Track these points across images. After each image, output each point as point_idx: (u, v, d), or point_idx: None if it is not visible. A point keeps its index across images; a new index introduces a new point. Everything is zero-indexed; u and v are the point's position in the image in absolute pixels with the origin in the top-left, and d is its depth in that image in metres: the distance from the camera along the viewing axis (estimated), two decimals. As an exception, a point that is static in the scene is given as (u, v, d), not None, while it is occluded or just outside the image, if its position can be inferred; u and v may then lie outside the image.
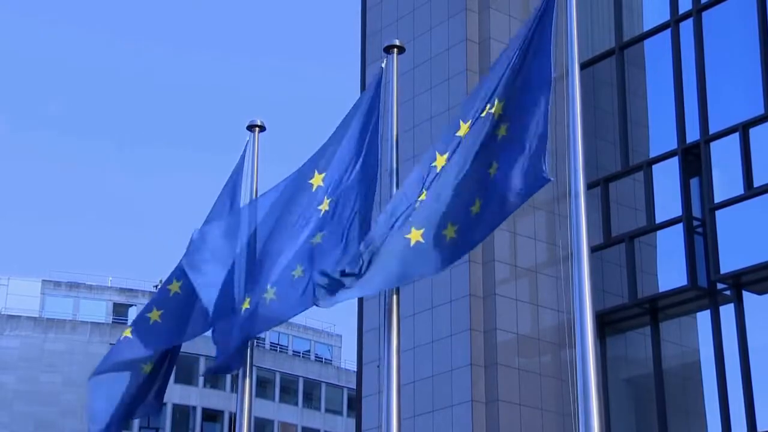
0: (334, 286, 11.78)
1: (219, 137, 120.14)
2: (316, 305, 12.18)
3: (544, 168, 11.35)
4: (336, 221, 13.19)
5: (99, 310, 72.44)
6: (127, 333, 14.54)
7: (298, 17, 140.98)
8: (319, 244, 13.08)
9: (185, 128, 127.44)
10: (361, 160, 13.40)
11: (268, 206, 13.76)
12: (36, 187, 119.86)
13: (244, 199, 14.87)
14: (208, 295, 13.68)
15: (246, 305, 13.17)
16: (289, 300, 12.96)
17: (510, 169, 11.64)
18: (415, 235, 11.72)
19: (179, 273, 14.30)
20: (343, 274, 11.72)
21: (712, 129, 21.72)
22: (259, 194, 14.87)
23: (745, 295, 20.90)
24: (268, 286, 13.06)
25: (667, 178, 22.33)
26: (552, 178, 11.34)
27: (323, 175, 13.48)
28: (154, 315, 14.36)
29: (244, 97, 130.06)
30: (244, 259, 13.89)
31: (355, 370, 24.80)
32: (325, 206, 13.31)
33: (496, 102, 11.97)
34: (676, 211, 21.80)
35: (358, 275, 11.67)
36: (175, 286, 14.35)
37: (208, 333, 14.11)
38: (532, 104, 11.78)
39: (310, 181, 13.47)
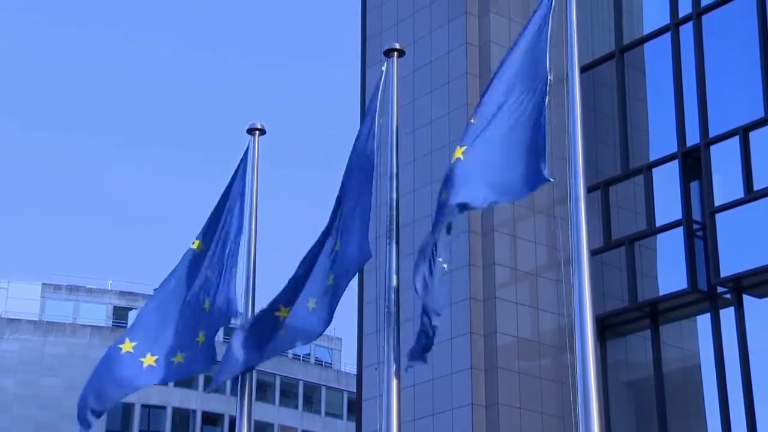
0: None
1: (220, 138, 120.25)
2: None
3: (543, 168, 11.38)
4: (336, 223, 13.33)
5: (99, 314, 72.39)
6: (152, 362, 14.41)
7: (298, 19, 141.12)
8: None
9: (186, 129, 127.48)
10: (358, 162, 13.50)
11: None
12: (35, 190, 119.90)
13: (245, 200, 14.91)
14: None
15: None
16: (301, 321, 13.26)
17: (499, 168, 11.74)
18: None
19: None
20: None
21: (712, 132, 21.71)
22: (259, 196, 14.93)
23: (746, 298, 20.90)
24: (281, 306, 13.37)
25: (667, 181, 22.32)
26: (552, 179, 11.36)
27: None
28: (201, 337, 14.36)
29: (245, 99, 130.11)
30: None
31: (356, 373, 24.78)
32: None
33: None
34: (677, 214, 21.80)
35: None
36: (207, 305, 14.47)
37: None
38: (527, 103, 11.82)
39: None
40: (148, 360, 14.09)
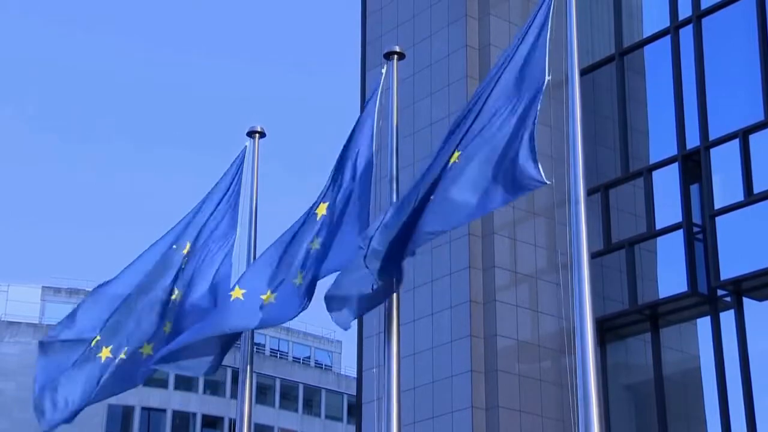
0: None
1: (222, 140, 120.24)
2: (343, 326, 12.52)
3: (537, 171, 11.36)
4: (332, 226, 13.27)
5: (99, 317, 72.30)
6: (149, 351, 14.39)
7: (298, 23, 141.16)
8: (317, 249, 13.16)
9: (187, 131, 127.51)
10: (356, 163, 13.47)
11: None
12: (35, 192, 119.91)
13: (243, 203, 14.90)
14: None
15: (238, 294, 13.25)
16: (287, 305, 13.05)
17: (487, 169, 11.71)
18: None
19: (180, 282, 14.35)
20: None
21: (712, 135, 21.72)
22: (258, 198, 14.93)
23: (746, 301, 20.89)
24: (269, 291, 13.14)
25: (667, 184, 22.33)
26: (549, 182, 11.36)
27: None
28: (167, 327, 14.31)
29: (246, 102, 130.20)
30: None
31: (356, 376, 24.79)
32: (322, 210, 13.40)
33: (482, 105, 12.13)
34: (676, 217, 21.80)
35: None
36: (177, 295, 14.37)
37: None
38: (524, 104, 11.83)
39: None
40: (105, 353, 14.17)
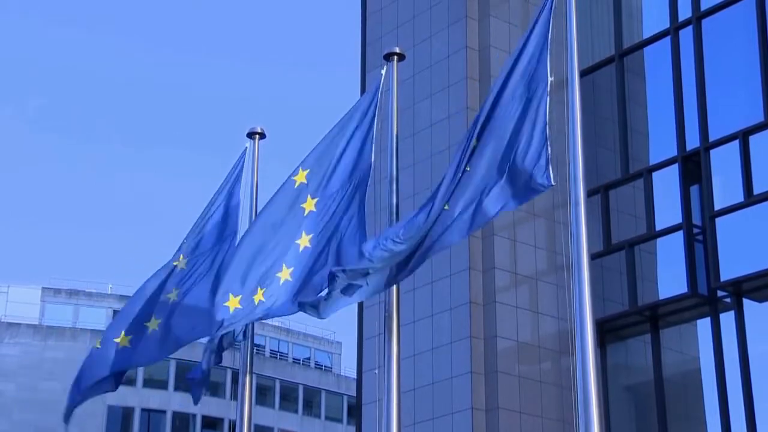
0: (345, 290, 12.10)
1: (222, 141, 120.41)
2: (319, 316, 12.35)
3: (547, 173, 11.39)
4: (325, 224, 13.19)
5: (99, 318, 72.30)
6: (125, 342, 14.49)
7: (298, 23, 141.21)
8: (308, 247, 13.09)
9: (187, 133, 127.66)
10: (352, 163, 13.43)
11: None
12: (35, 193, 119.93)
13: (243, 204, 14.92)
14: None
15: (236, 304, 13.14)
16: (277, 302, 12.98)
17: (491, 175, 11.73)
18: None
19: (177, 281, 14.35)
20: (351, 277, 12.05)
21: (712, 136, 21.72)
22: (259, 199, 14.95)
23: (746, 302, 20.89)
24: (258, 288, 13.05)
25: (667, 185, 22.33)
26: (553, 183, 11.38)
27: (307, 171, 13.52)
28: (153, 324, 14.33)
29: (246, 102, 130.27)
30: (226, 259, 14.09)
31: (355, 377, 24.79)
32: (310, 206, 13.33)
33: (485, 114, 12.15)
34: (676, 218, 21.79)
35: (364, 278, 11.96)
36: (173, 295, 14.37)
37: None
38: (531, 107, 11.86)
39: (294, 178, 13.48)
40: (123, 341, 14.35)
